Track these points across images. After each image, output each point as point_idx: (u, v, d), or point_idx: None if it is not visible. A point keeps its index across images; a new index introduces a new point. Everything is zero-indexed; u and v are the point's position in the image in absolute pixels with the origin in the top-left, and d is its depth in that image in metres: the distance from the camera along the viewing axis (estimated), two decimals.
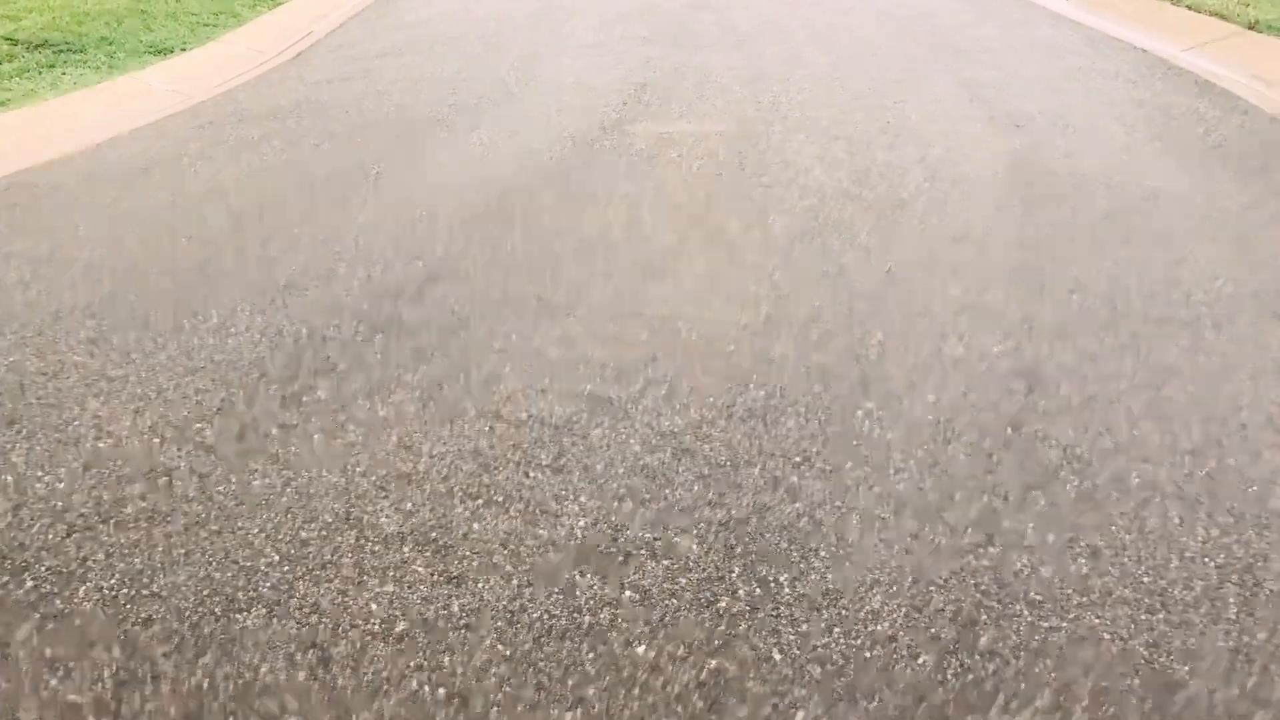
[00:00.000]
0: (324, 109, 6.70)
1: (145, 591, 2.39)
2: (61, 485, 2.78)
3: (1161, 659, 2.22)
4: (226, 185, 5.17)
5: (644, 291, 3.93)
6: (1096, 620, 2.32)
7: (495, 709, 2.08)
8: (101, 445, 2.96)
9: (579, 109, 6.63)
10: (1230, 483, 2.79)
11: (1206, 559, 2.51)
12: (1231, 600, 2.38)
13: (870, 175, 5.28)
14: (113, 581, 2.42)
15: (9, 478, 2.81)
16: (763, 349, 3.49)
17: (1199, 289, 3.92)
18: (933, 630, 2.29)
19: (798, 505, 2.70)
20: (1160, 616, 2.33)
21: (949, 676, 2.17)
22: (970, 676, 2.17)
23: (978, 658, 2.22)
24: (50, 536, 2.58)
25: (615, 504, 2.70)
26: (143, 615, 2.32)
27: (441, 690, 2.12)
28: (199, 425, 3.05)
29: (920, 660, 2.21)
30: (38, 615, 2.32)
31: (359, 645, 2.24)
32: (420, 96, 6.99)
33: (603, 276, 4.07)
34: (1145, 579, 2.44)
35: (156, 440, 2.98)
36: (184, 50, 8.17)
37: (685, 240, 4.42)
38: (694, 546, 2.55)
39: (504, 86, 7.28)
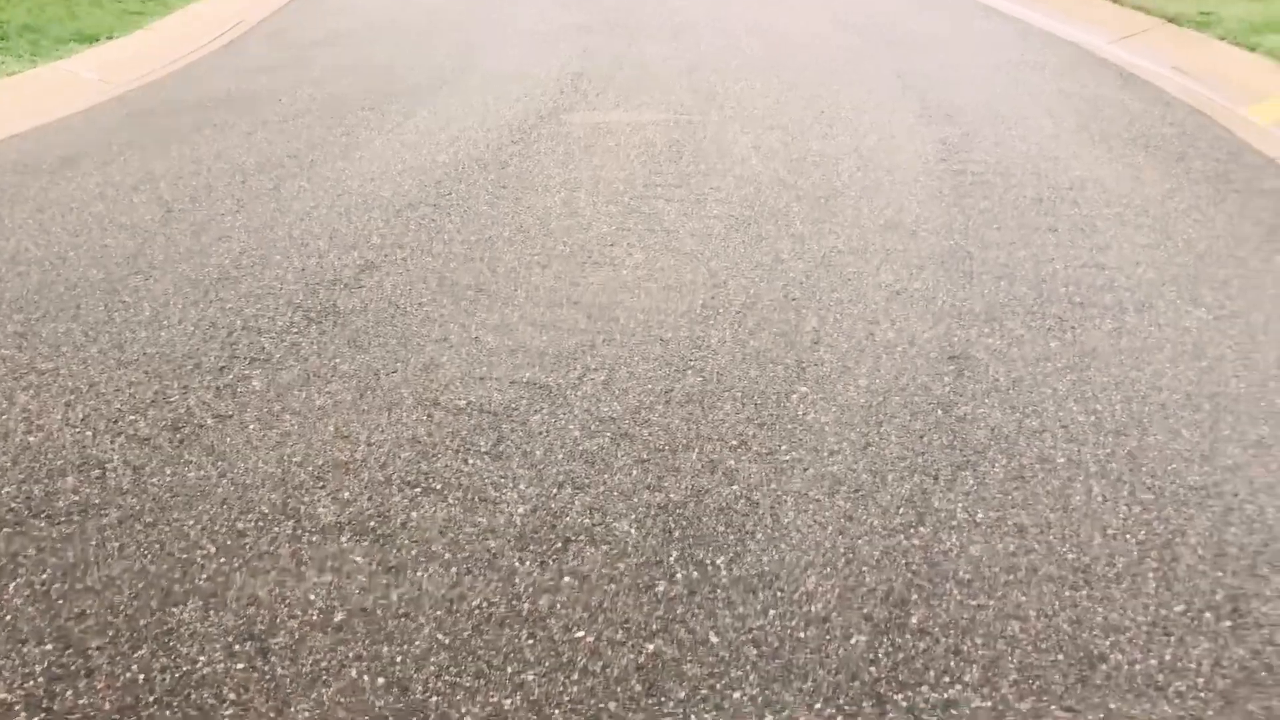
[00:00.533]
0: (256, 98, 6.61)
1: (79, 586, 2.36)
2: None
3: (1084, 634, 2.29)
4: (157, 175, 5.09)
5: (582, 279, 3.95)
6: (1023, 598, 2.39)
7: (435, 697, 2.09)
8: (32, 439, 2.91)
9: (516, 98, 6.62)
10: (1151, 460, 2.89)
11: (1128, 535, 2.59)
12: (1151, 575, 2.46)
13: (805, 164, 5.34)
14: (44, 576, 2.39)
15: None
16: (700, 335, 3.53)
17: (1121, 274, 4.03)
18: (865, 610, 2.34)
19: (735, 488, 2.74)
20: (1084, 593, 2.41)
21: (881, 655, 2.22)
22: (901, 655, 2.22)
23: (909, 636, 2.27)
24: None
25: (555, 490, 2.72)
26: (76, 610, 2.29)
27: (381, 679, 2.13)
28: (132, 418, 3.01)
29: (853, 640, 2.26)
30: None
31: (297, 636, 2.24)
32: (355, 85, 6.93)
33: (540, 265, 4.08)
34: (1069, 556, 2.52)
35: (89, 433, 2.94)
36: (111, 38, 8.00)
37: (623, 229, 4.45)
38: (632, 531, 2.58)
39: (439, 75, 7.24)
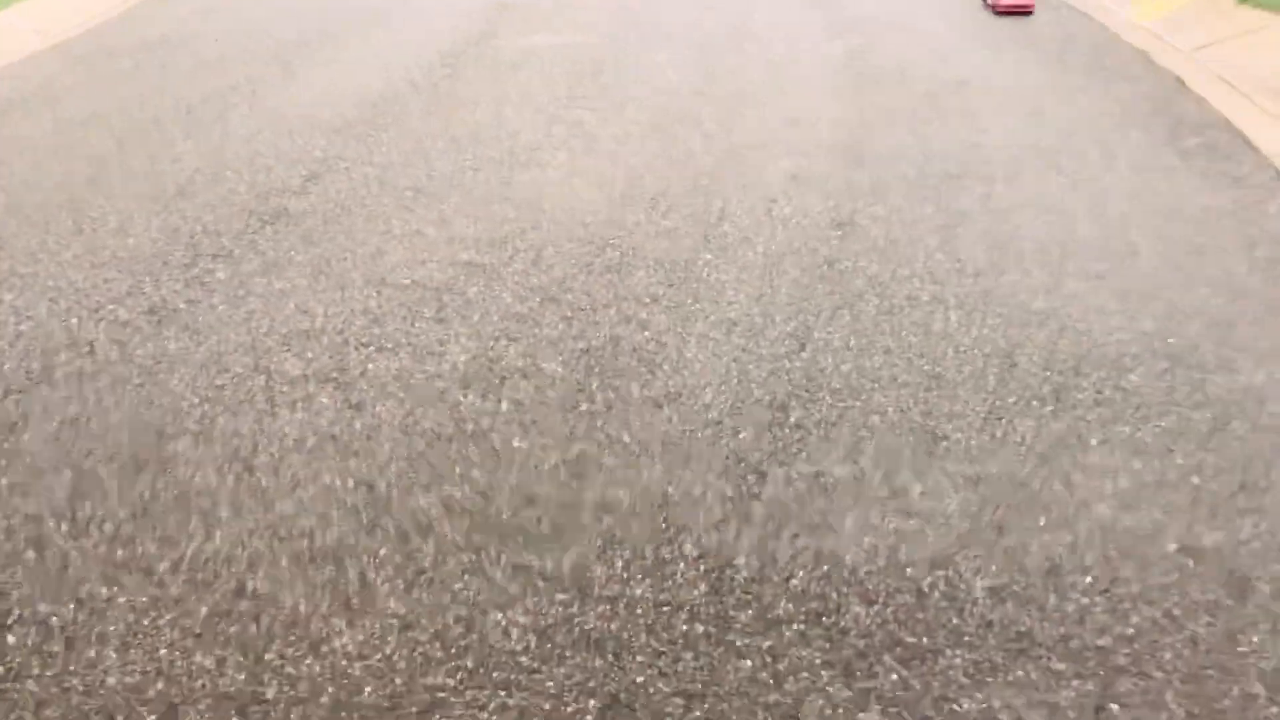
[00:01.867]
0: (193, 40, 6.88)
1: (84, 432, 2.76)
2: None
3: (932, 422, 2.77)
4: (106, 112, 5.39)
5: (512, 179, 4.35)
6: (884, 399, 2.86)
7: (395, 490, 2.53)
8: (23, 327, 3.28)
9: (443, 29, 6.94)
10: (1003, 294, 3.37)
11: (976, 350, 3.08)
12: (991, 377, 2.95)
13: (717, 74, 5.76)
14: (53, 426, 2.78)
15: None
16: (618, 218, 3.96)
17: (996, 152, 4.51)
18: (753, 415, 2.80)
19: (646, 334, 3.19)
20: (935, 393, 2.89)
21: (764, 444, 2.68)
22: (780, 443, 2.69)
23: (787, 430, 2.74)
24: None
25: (491, 343, 3.15)
26: (85, 449, 2.69)
27: (350, 481, 2.56)
28: (112, 307, 3.39)
29: (741, 435, 2.72)
30: None
31: (277, 456, 2.66)
32: (288, 24, 7.20)
33: (473, 169, 4.47)
34: (925, 367, 3.00)
35: (74, 320, 3.31)
36: None
37: (548, 135, 4.85)
38: (559, 369, 3.02)
39: (369, 11, 7.53)
